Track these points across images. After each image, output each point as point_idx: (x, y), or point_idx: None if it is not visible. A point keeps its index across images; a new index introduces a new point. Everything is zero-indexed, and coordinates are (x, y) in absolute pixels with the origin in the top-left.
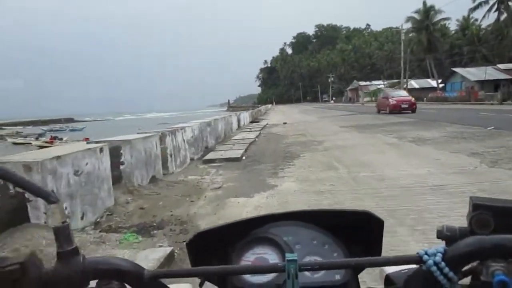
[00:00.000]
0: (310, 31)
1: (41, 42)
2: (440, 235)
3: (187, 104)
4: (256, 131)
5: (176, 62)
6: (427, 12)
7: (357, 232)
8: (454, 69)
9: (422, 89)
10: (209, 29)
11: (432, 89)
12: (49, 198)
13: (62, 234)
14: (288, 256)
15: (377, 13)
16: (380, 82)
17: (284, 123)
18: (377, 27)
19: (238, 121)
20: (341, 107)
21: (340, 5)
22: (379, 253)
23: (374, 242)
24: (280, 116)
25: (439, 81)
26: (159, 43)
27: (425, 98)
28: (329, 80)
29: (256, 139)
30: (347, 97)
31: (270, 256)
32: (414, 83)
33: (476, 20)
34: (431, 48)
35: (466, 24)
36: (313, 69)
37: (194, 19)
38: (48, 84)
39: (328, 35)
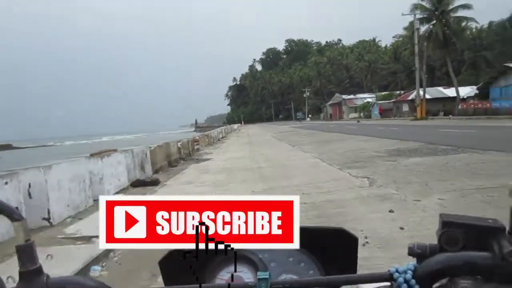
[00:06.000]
0: (280, 46)
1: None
2: (411, 252)
3: (163, 124)
4: None
5: (150, 82)
6: None
7: (332, 250)
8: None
9: (435, 99)
10: (177, 46)
11: (448, 99)
12: (13, 215)
13: (26, 253)
14: (260, 274)
15: (347, 28)
16: (367, 95)
17: None
18: (348, 41)
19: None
20: (333, 127)
21: (309, 21)
22: (355, 271)
23: (349, 260)
24: (240, 146)
25: (475, 87)
26: (129, 65)
27: (441, 112)
28: (304, 95)
29: None
30: (327, 113)
31: (245, 275)
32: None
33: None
34: (447, 43)
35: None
36: (285, 85)
37: (167, 39)
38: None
39: (299, 50)
